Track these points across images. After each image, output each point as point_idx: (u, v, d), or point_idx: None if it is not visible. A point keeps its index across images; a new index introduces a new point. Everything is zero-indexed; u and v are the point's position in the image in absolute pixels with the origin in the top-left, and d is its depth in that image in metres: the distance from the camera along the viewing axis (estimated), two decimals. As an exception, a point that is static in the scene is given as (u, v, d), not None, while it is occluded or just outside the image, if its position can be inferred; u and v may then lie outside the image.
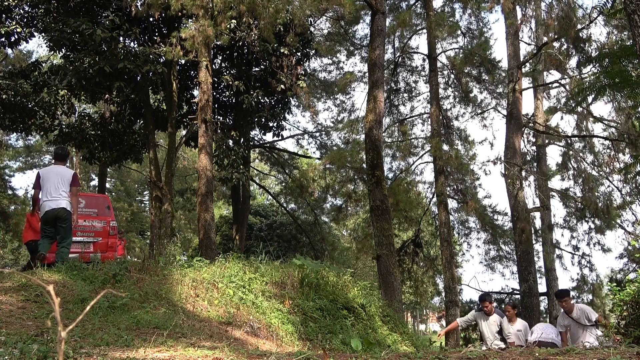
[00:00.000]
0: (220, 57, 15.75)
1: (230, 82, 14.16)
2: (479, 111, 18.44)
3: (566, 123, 22.64)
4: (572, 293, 7.35)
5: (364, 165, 13.75)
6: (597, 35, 34.34)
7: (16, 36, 13.84)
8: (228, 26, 11.36)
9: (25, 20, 13.96)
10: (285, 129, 17.09)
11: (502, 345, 7.27)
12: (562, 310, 6.99)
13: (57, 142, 15.63)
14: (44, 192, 6.42)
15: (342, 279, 7.77)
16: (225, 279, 6.58)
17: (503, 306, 8.71)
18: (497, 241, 18.00)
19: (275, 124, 16.35)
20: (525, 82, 16.47)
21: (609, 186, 17.14)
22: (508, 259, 18.08)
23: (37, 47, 52.62)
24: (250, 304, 6.33)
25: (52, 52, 14.53)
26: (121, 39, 13.15)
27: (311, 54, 16.40)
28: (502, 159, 14.94)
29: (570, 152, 17.96)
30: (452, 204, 17.46)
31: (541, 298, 15.76)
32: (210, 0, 10.48)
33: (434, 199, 16.64)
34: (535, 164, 18.59)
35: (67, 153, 7.36)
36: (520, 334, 7.43)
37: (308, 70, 17.57)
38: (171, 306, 5.50)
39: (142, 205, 34.05)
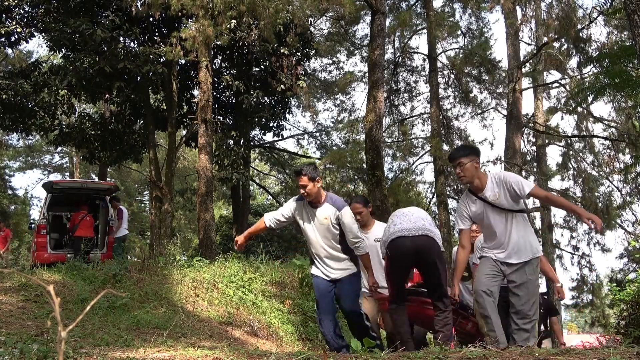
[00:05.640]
0: (220, 57, 15.74)
1: (230, 82, 14.16)
2: (479, 111, 18.44)
3: (566, 123, 22.62)
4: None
5: (364, 165, 13.73)
6: (597, 35, 34.31)
7: (16, 36, 13.84)
8: (228, 26, 11.35)
9: (25, 20, 13.95)
10: (285, 129, 17.12)
11: (349, 269, 4.09)
12: (466, 191, 3.96)
13: (57, 142, 15.65)
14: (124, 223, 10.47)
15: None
16: (225, 279, 6.58)
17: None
18: (497, 241, 17.96)
19: (275, 124, 16.35)
20: (525, 82, 16.45)
21: (609, 186, 17.13)
22: (508, 259, 18.04)
23: (37, 47, 52.65)
24: (250, 304, 6.33)
25: (52, 52, 14.52)
26: (121, 39, 13.14)
27: (311, 54, 16.39)
28: (502, 159, 14.93)
29: (570, 152, 17.95)
30: (452, 204, 17.44)
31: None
32: (211, 0, 10.48)
33: (434, 199, 16.64)
34: (535, 164, 18.57)
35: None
36: (380, 246, 4.20)
37: (308, 70, 17.57)
38: (171, 306, 5.50)
39: (142, 205, 34.03)
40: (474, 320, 4.13)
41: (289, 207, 4.27)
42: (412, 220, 3.85)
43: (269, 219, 4.29)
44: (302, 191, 4.02)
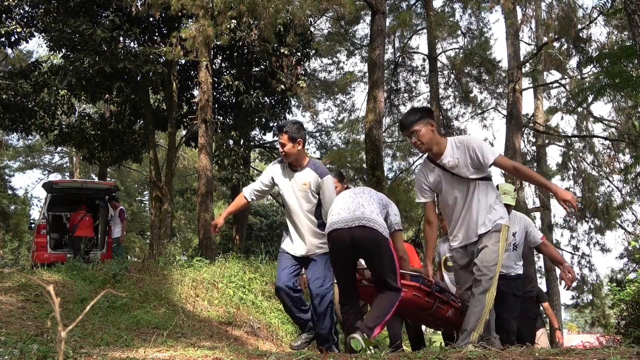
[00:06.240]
0: (220, 57, 15.74)
1: (230, 82, 14.16)
2: (479, 111, 18.44)
3: (566, 123, 22.69)
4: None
5: (364, 165, 13.73)
6: (597, 35, 34.30)
7: (16, 36, 13.84)
8: (228, 26, 11.35)
9: (25, 20, 13.95)
10: (286, 129, 17.07)
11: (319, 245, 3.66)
12: (424, 159, 3.51)
13: (57, 142, 15.66)
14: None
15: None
16: (225, 279, 6.59)
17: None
18: (497, 241, 17.97)
19: (275, 124, 16.35)
20: (525, 82, 16.45)
21: (609, 186, 17.15)
22: (508, 259, 18.05)
23: (37, 47, 52.67)
24: (250, 304, 6.34)
25: (52, 52, 14.52)
26: (121, 39, 13.14)
27: (311, 54, 16.38)
28: (502, 159, 14.92)
29: (570, 152, 17.95)
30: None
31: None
32: (211, 0, 10.48)
33: (434, 199, 16.62)
34: (535, 164, 18.58)
35: None
36: None
37: (308, 70, 17.56)
38: (171, 306, 5.50)
39: (142, 205, 34.03)
40: (456, 306, 3.89)
41: (268, 172, 3.83)
42: (350, 208, 3.39)
43: (249, 193, 3.86)
44: (280, 150, 3.65)
